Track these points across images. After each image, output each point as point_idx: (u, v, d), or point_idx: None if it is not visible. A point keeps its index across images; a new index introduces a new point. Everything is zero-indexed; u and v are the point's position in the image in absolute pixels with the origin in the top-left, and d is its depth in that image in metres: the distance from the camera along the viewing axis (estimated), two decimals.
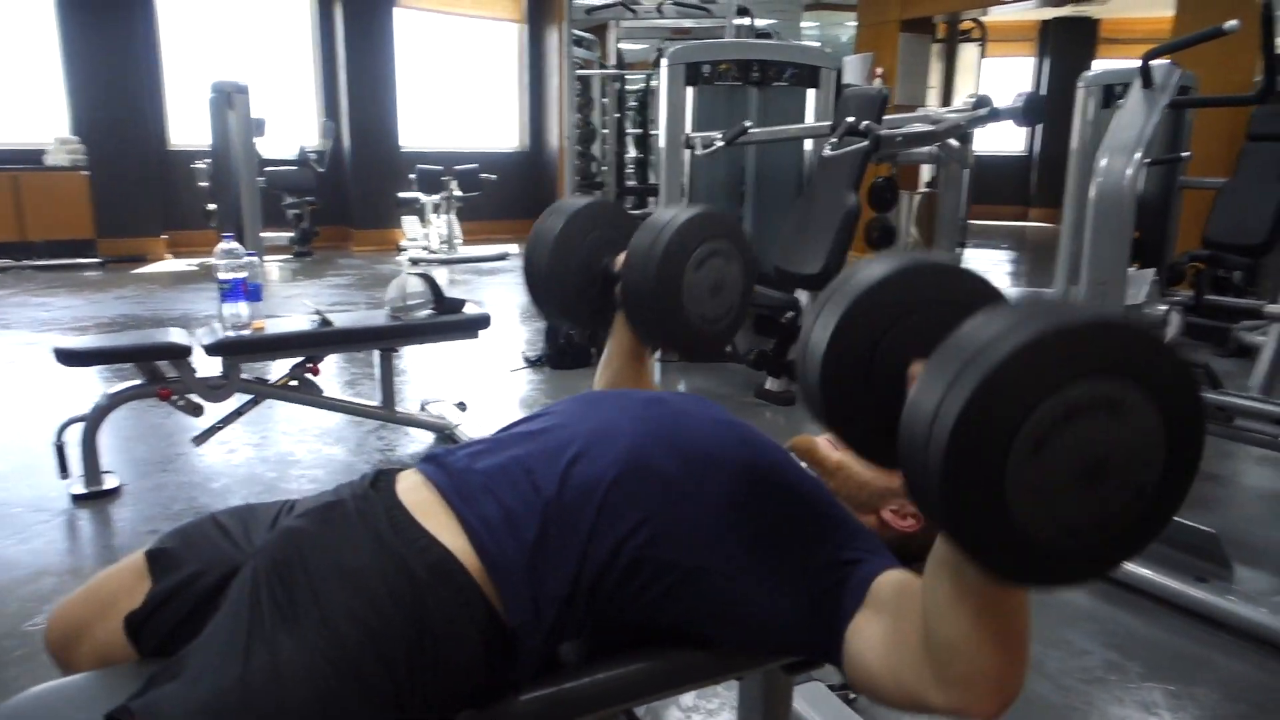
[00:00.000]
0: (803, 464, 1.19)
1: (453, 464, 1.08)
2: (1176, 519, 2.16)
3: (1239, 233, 4.71)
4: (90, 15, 7.15)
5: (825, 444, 1.19)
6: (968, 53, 8.71)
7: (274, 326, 2.98)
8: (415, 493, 1.04)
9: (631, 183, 7.69)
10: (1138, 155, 2.40)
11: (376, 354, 3.17)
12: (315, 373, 3.01)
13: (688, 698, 1.81)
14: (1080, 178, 4.98)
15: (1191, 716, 1.78)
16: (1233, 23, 2.06)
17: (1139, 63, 2.48)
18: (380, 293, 3.77)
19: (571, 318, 1.56)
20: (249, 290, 2.86)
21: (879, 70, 7.65)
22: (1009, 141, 10.97)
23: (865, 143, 3.14)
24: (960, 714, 0.84)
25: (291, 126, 8.42)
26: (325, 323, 2.98)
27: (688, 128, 4.19)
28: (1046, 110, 3.73)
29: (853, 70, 7.63)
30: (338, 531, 0.97)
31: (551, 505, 1.00)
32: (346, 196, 8.54)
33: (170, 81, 7.88)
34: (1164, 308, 2.65)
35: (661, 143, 4.23)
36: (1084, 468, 0.68)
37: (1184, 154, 5.12)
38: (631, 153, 7.70)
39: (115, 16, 7.26)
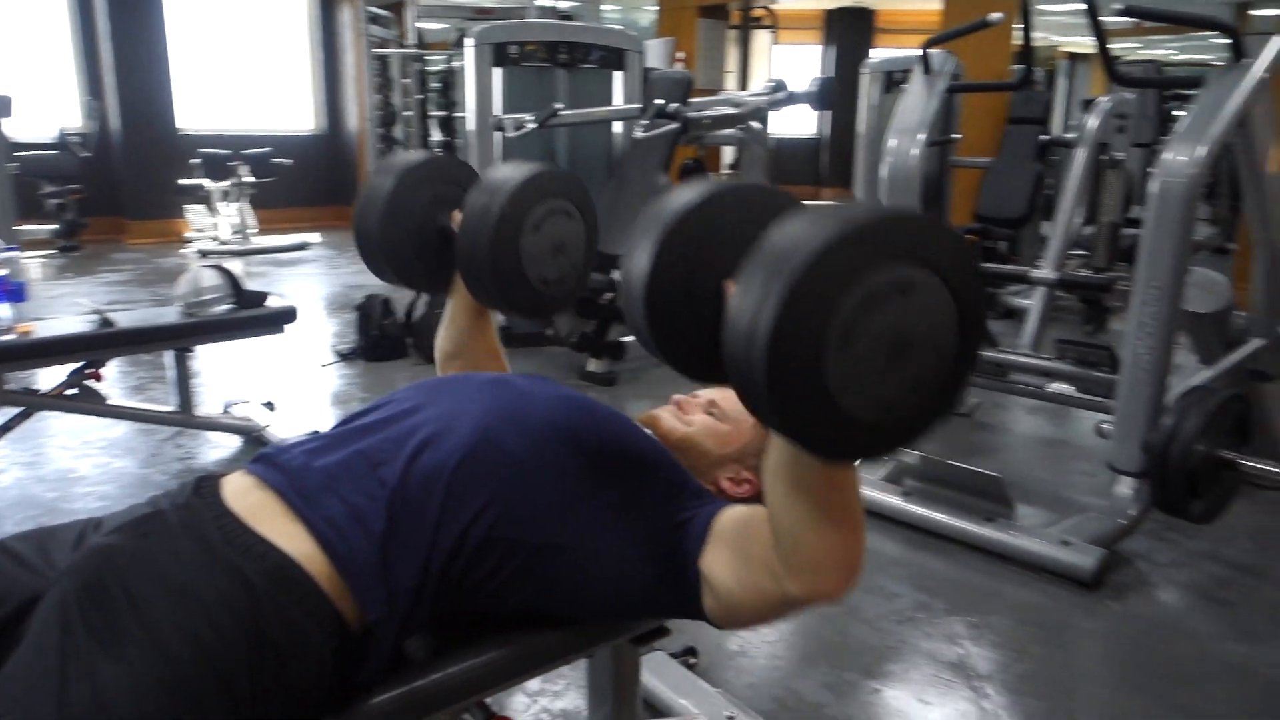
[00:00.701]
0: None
1: (288, 463, 1.01)
2: (964, 466, 2.39)
3: (1002, 207, 5.24)
4: None
5: (668, 417, 1.22)
6: (761, 39, 9.10)
7: (45, 330, 2.67)
8: (247, 496, 0.98)
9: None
10: (921, 136, 2.61)
11: (169, 355, 2.91)
12: (98, 379, 2.73)
13: (533, 682, 1.80)
14: (868, 158, 5.36)
15: (989, 642, 1.97)
16: (997, 15, 2.28)
17: (918, 51, 2.69)
18: (166, 289, 3.46)
19: (409, 281, 1.48)
20: (10, 290, 2.54)
21: (680, 54, 7.84)
22: (801, 125, 11.58)
23: (675, 125, 3.21)
24: (815, 596, 0.89)
25: (48, 106, 7.53)
26: (106, 323, 2.70)
27: (497, 109, 4.13)
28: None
29: (655, 54, 7.75)
30: (159, 544, 0.89)
31: (397, 496, 0.96)
32: (118, 184, 7.75)
33: None
34: None
35: (470, 125, 4.14)
36: (891, 346, 0.73)
37: (955, 136, 5.62)
38: (436, 136, 7.49)
39: None
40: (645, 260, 0.88)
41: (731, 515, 1.01)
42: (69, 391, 2.73)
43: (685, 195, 0.92)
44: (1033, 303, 2.87)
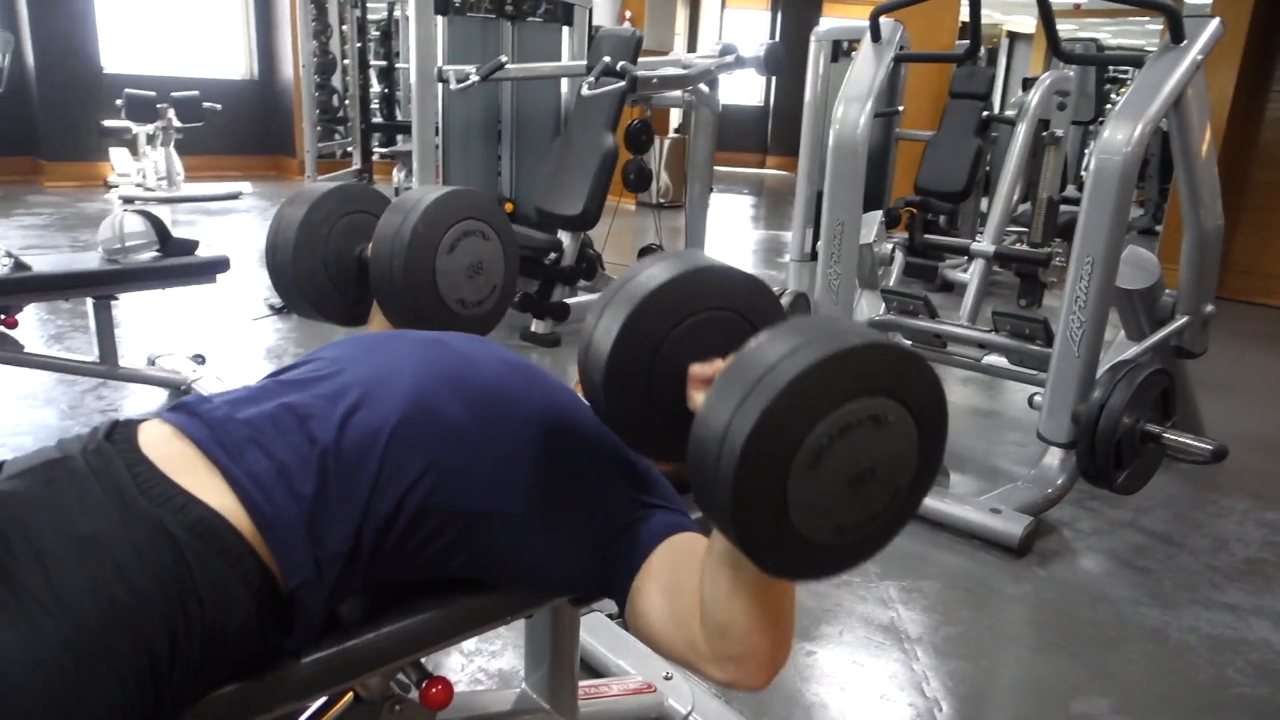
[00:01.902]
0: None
1: (209, 413, 0.96)
2: None
3: (943, 181, 5.31)
4: None
5: None
6: (711, 3, 9.02)
7: None
8: (165, 446, 0.91)
9: (378, 119, 7.27)
10: (869, 105, 2.61)
11: (90, 303, 2.78)
12: (12, 325, 2.59)
13: (469, 642, 1.79)
14: (815, 126, 5.36)
15: (920, 606, 2.02)
16: None
17: (866, 20, 2.68)
18: (89, 234, 3.29)
19: (328, 314, 1.46)
20: None
21: (628, 14, 7.72)
22: (747, 93, 11.55)
23: (622, 83, 3.15)
24: (731, 684, 0.90)
25: None
26: (20, 266, 2.56)
27: (440, 61, 4.00)
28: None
29: (602, 11, 7.62)
30: (66, 492, 0.82)
31: (329, 456, 0.92)
32: (33, 123, 7.35)
33: None
34: (890, 246, 2.93)
35: (413, 76, 4.01)
36: (854, 475, 0.75)
37: (899, 108, 5.67)
38: (376, 86, 7.26)
39: None
40: (611, 333, 0.90)
41: (671, 552, 0.99)
42: None
43: (658, 271, 0.93)
44: (972, 275, 2.91)
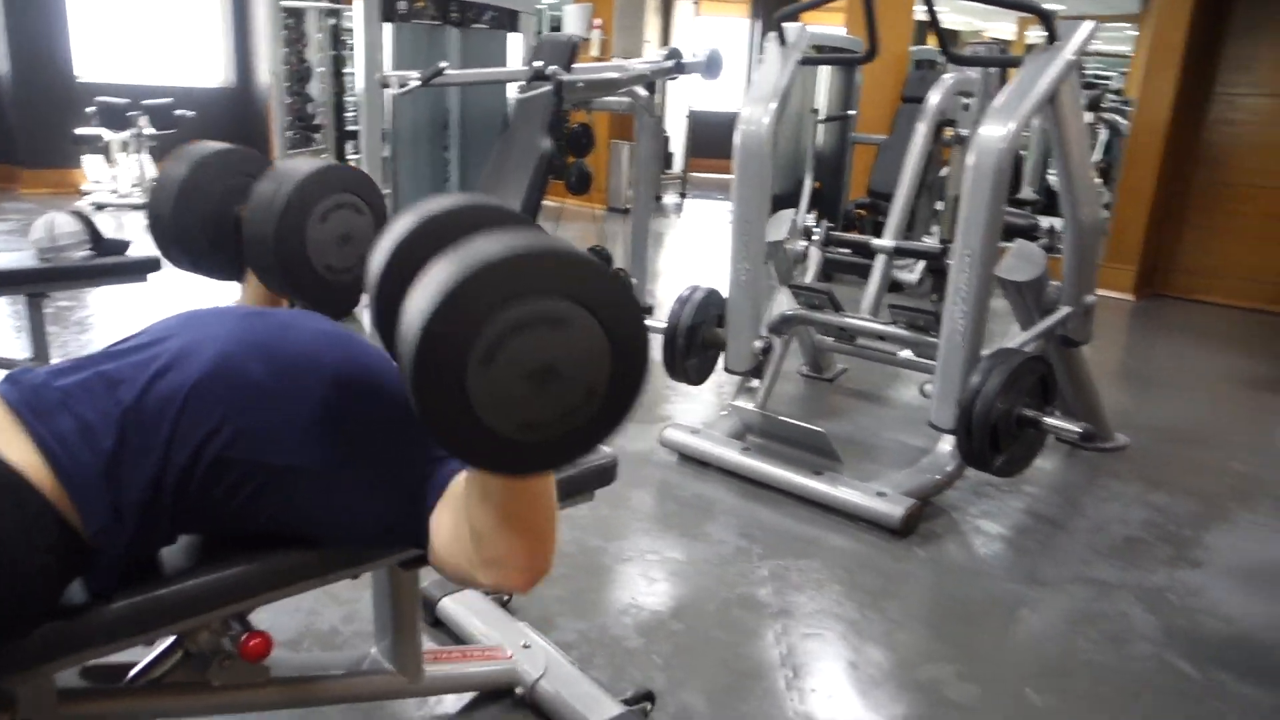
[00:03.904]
0: None
1: (29, 381, 1.05)
2: (795, 422, 2.52)
3: (893, 182, 5.34)
4: None
5: None
6: (684, 9, 9.13)
7: None
8: None
9: (353, 127, 7.38)
10: (773, 105, 2.70)
11: (24, 300, 2.86)
12: None
13: (342, 611, 1.87)
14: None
15: (793, 583, 2.11)
16: None
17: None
18: None
19: (202, 268, 1.53)
20: None
21: (597, 22, 7.83)
22: (727, 101, 11.64)
23: (548, 87, 3.25)
24: (499, 588, 1.03)
25: None
26: None
27: (387, 67, 4.10)
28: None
29: (573, 21, 7.74)
30: None
31: (130, 413, 1.01)
32: (9, 131, 7.45)
33: None
34: (803, 244, 3.02)
35: (359, 83, 4.11)
36: (534, 372, 0.80)
37: (850, 112, 5.77)
38: (351, 94, 7.36)
39: None
40: (379, 260, 1.00)
41: (457, 486, 1.07)
42: None
43: (432, 204, 1.02)
44: (874, 270, 3.01)
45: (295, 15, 7.88)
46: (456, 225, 0.99)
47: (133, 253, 2.98)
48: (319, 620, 1.86)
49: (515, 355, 0.79)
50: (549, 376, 0.81)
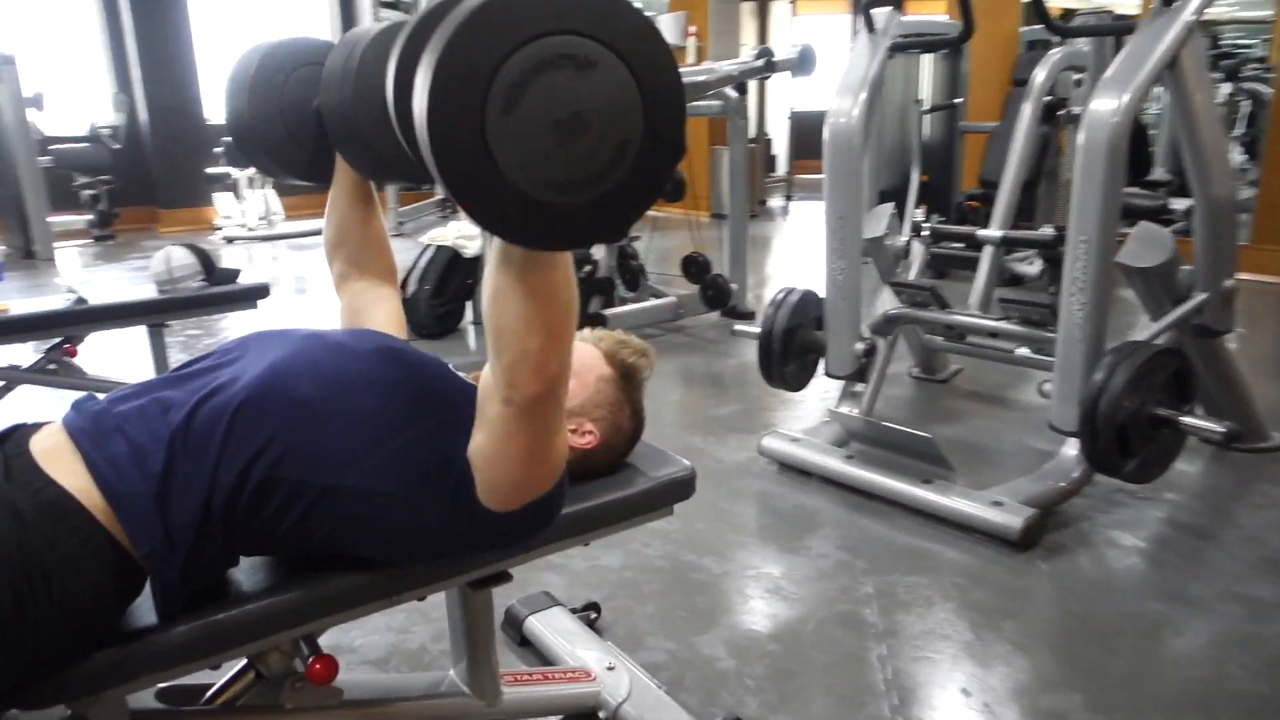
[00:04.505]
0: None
1: (91, 408, 1.07)
2: (900, 428, 2.37)
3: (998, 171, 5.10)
4: None
5: None
6: (780, 11, 8.97)
7: (23, 308, 2.81)
8: (48, 439, 1.04)
9: None
10: (863, 95, 2.57)
11: (146, 330, 3.02)
12: (72, 354, 2.85)
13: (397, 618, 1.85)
14: (873, 124, 5.28)
15: (899, 600, 1.96)
16: None
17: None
18: None
19: (289, 169, 1.37)
20: None
21: (692, 29, 7.78)
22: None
23: None
24: (512, 390, 0.94)
25: (81, 101, 7.82)
26: (81, 300, 2.82)
27: None
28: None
29: (668, 29, 7.71)
30: None
31: (178, 435, 1.01)
32: (149, 174, 8.02)
33: None
34: (904, 239, 2.86)
35: None
36: (559, 121, 0.71)
37: (957, 100, 5.50)
38: None
39: None
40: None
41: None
42: (49, 366, 2.86)
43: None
44: (982, 262, 2.81)
45: None
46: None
47: (242, 281, 3.11)
48: (409, 639, 1.85)
49: (540, 99, 0.70)
50: (577, 127, 0.72)
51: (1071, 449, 2.37)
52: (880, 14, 2.64)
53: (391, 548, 1.11)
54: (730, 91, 3.86)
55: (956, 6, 2.49)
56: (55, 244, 6.64)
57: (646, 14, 0.74)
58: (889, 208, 2.83)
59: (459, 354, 4.00)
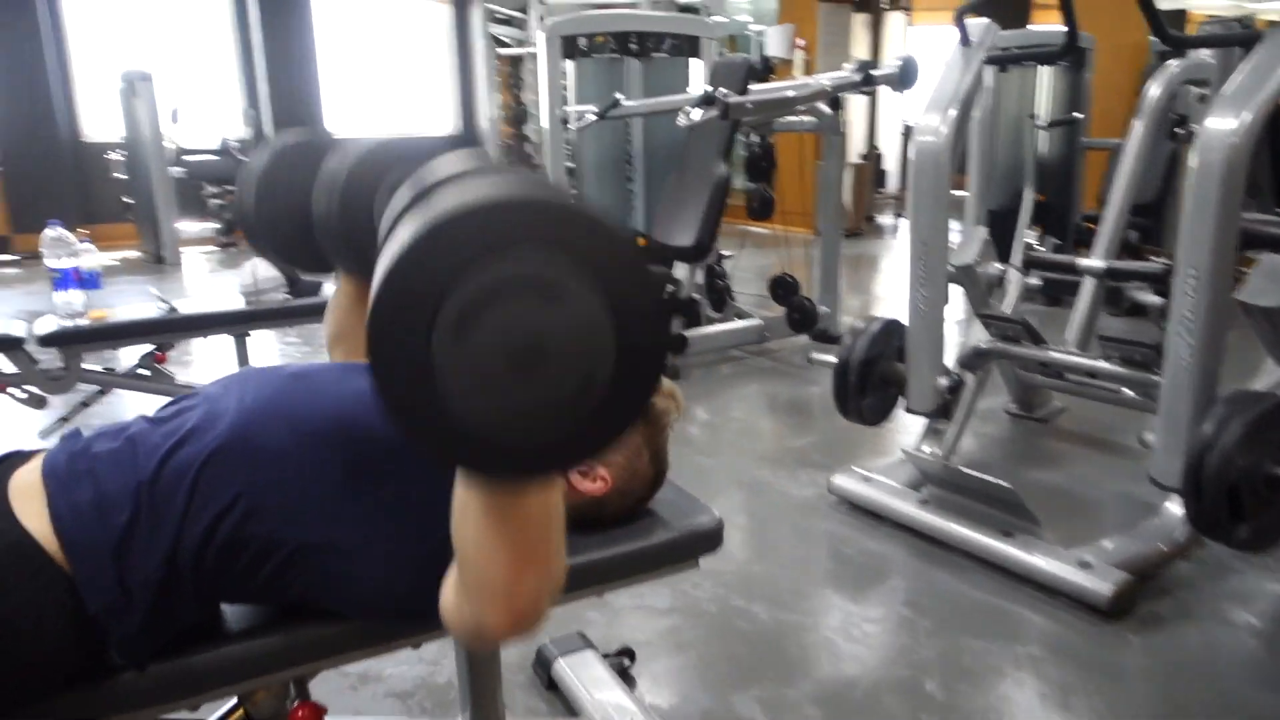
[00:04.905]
0: None
1: (72, 446, 1.04)
2: (978, 475, 2.18)
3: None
4: None
5: None
6: (895, 22, 8.66)
7: (119, 315, 2.93)
8: (27, 475, 1.01)
9: (570, 164, 7.67)
10: (953, 112, 2.39)
11: (232, 339, 3.12)
12: (162, 360, 2.96)
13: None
14: (981, 143, 5.01)
15: (961, 667, 1.78)
16: None
17: (958, 22, 2.46)
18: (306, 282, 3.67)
19: (293, 260, 1.44)
20: (83, 278, 2.80)
21: (800, 41, 7.61)
22: None
23: (714, 112, 3.11)
24: (481, 627, 0.85)
25: (216, 116, 8.29)
26: (172, 309, 2.93)
27: (572, 102, 4.16)
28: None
29: (775, 42, 7.58)
30: None
31: (144, 488, 0.97)
32: None
33: (81, 72, 7.73)
34: (999, 267, 2.64)
35: (543, 120, 4.19)
36: (517, 352, 0.65)
37: (1077, 115, 5.15)
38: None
39: (21, 7, 7.10)
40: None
41: None
42: (141, 371, 2.98)
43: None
44: (1081, 293, 2.57)
45: (513, 62, 8.36)
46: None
47: (325, 294, 3.17)
48: (438, 673, 1.80)
49: (494, 328, 0.64)
50: (536, 359, 0.65)
51: (1177, 506, 2.12)
52: (975, 25, 2.45)
53: (371, 606, 1.04)
54: (823, 107, 3.70)
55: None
56: (182, 249, 7.03)
57: (618, 232, 0.67)
58: (981, 232, 2.63)
59: None
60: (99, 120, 7.73)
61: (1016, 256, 2.83)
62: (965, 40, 2.46)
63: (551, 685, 1.73)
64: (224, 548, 0.96)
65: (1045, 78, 5.26)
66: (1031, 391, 3.13)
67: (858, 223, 7.89)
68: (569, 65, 4.17)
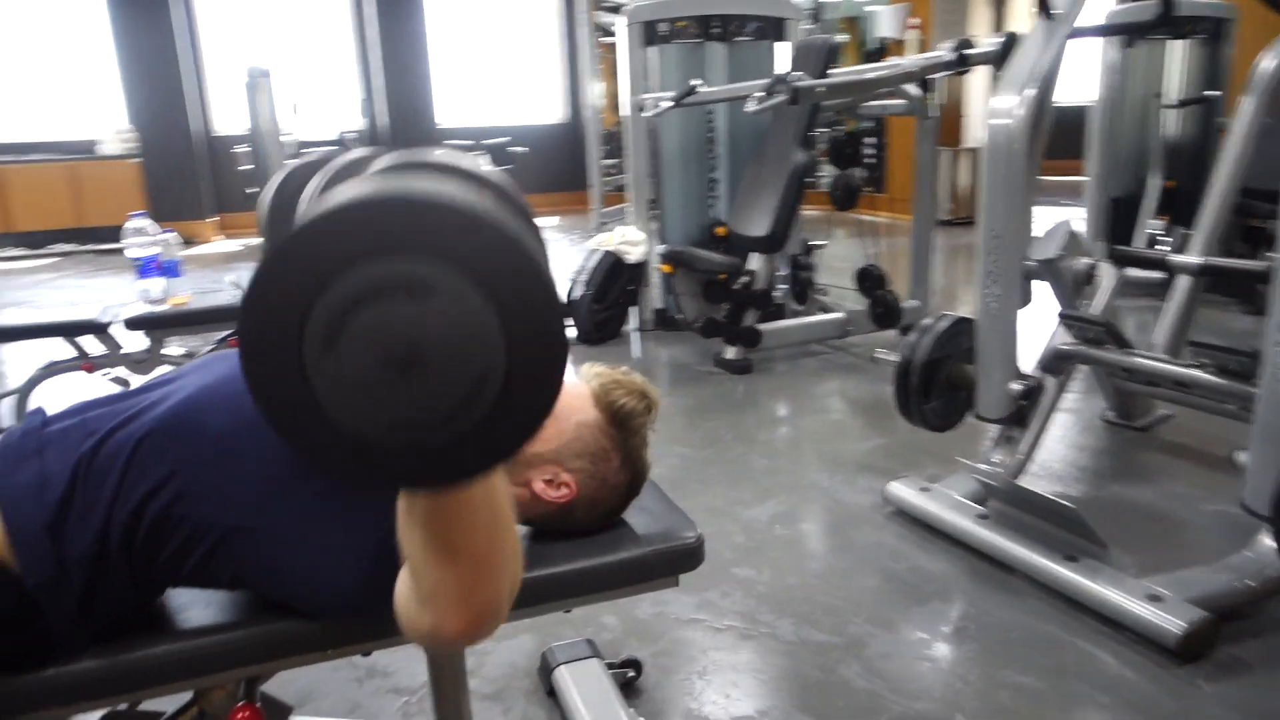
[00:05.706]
0: None
1: (31, 425, 1.07)
2: (1041, 492, 1.98)
3: (1274, 177, 4.25)
4: (138, 8, 7.50)
5: None
6: (1022, 1, 8.13)
7: (199, 302, 3.07)
8: None
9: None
10: (1030, 92, 2.18)
11: None
12: (234, 346, 3.08)
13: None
14: (1102, 124, 4.65)
15: (1003, 708, 1.62)
16: None
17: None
18: None
19: None
20: (163, 267, 2.95)
21: (914, 21, 7.25)
22: (1074, 93, 10.22)
23: (784, 98, 2.97)
24: (437, 631, 0.82)
25: (336, 109, 8.65)
26: None
27: (655, 88, 4.07)
28: None
29: (886, 23, 7.26)
30: None
31: (82, 463, 0.98)
32: None
33: (212, 69, 8.20)
34: (1087, 261, 2.40)
35: (624, 108, 4.12)
36: (393, 356, 0.62)
37: (1213, 93, 4.68)
38: None
39: (157, 7, 7.58)
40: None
41: None
42: None
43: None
44: (1173, 294, 2.29)
45: (615, 50, 8.31)
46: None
47: None
48: None
49: (364, 334, 0.62)
50: (414, 362, 0.62)
51: (1271, 537, 1.87)
52: None
53: (314, 600, 1.01)
54: (911, 89, 3.48)
55: None
56: None
57: (512, 232, 0.62)
58: (1066, 225, 2.39)
59: (619, 360, 3.93)
60: (228, 114, 8.20)
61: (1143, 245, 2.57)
62: (1047, 11, 2.23)
63: (552, 692, 1.68)
64: (154, 526, 0.96)
65: (1177, 53, 4.80)
66: (1130, 398, 2.85)
67: (962, 210, 7.46)
68: (651, 52, 4.08)
